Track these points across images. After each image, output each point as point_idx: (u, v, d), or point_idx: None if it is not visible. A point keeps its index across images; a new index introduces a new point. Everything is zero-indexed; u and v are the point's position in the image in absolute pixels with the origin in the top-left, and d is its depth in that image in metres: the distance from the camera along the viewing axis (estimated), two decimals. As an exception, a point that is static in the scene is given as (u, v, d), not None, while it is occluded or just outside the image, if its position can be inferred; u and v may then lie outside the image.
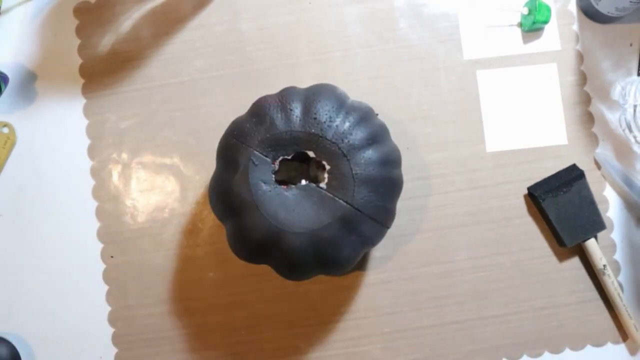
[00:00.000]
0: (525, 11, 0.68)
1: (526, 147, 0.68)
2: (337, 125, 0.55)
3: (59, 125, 0.69)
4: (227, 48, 0.70)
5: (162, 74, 0.70)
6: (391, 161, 0.57)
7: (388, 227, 0.58)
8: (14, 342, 0.66)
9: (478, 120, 0.68)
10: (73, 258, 0.68)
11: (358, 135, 0.55)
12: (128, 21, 0.70)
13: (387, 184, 0.56)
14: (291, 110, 0.56)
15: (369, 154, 0.55)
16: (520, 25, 0.69)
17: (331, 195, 0.54)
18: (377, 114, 0.60)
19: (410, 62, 0.69)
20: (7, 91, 0.69)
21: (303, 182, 0.58)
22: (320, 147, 0.55)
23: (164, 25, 0.70)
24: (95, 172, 0.69)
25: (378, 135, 0.57)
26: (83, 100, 0.70)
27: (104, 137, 0.69)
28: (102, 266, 0.68)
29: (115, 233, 0.68)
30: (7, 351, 0.65)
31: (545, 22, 0.67)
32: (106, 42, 0.70)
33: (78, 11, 0.71)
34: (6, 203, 0.69)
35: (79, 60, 0.70)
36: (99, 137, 0.69)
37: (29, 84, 0.70)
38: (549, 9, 0.66)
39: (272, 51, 0.69)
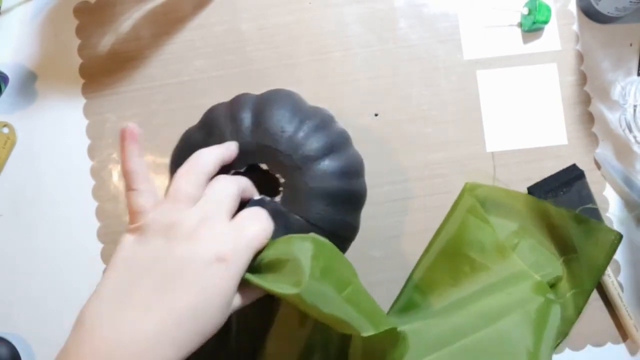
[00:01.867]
0: (525, 11, 0.68)
1: (526, 147, 0.68)
2: (289, 136, 0.51)
3: (59, 125, 0.69)
4: (227, 48, 0.70)
5: (162, 74, 0.70)
6: (351, 172, 0.53)
7: (351, 240, 0.55)
8: (14, 342, 0.66)
9: (478, 120, 0.68)
10: (73, 258, 0.68)
11: (313, 145, 0.51)
12: (128, 21, 0.70)
13: (345, 196, 0.52)
14: (241, 120, 0.51)
15: (325, 164, 0.51)
16: (520, 25, 0.69)
17: (285, 210, 0.50)
18: (336, 122, 0.56)
19: (410, 62, 0.69)
20: (7, 91, 0.69)
21: (256, 196, 0.52)
22: (273, 159, 0.51)
23: (164, 25, 0.70)
24: (95, 172, 0.69)
25: (335, 145, 0.52)
26: (83, 100, 0.70)
27: (104, 137, 0.69)
28: (103, 266, 0.68)
29: (115, 233, 0.68)
30: (7, 351, 0.65)
31: (545, 22, 0.67)
32: (106, 42, 0.70)
33: (78, 11, 0.71)
34: (6, 203, 0.69)
35: (79, 60, 0.70)
36: (99, 137, 0.69)
37: (29, 84, 0.70)
38: (549, 9, 0.66)
39: (272, 51, 0.69)
